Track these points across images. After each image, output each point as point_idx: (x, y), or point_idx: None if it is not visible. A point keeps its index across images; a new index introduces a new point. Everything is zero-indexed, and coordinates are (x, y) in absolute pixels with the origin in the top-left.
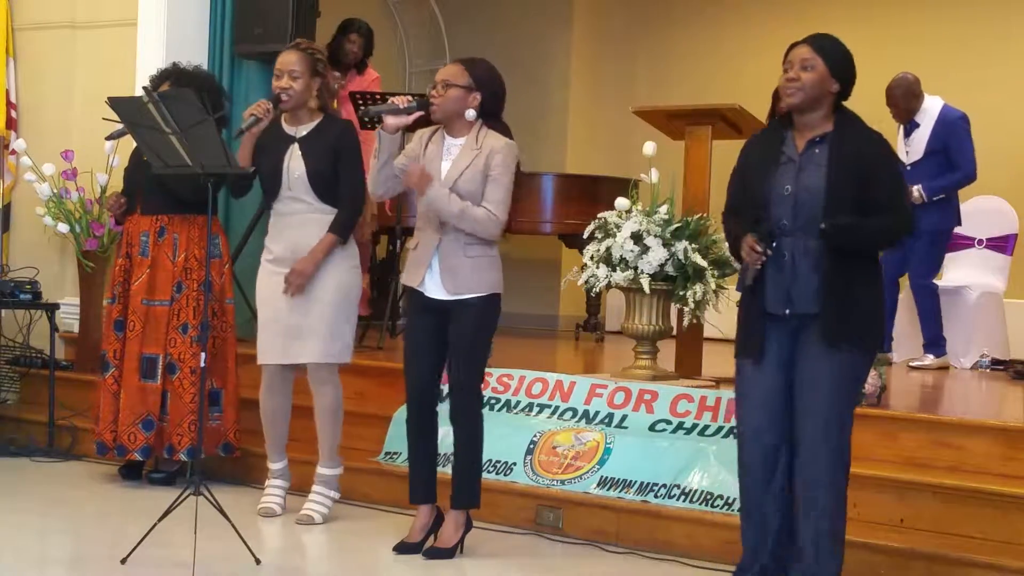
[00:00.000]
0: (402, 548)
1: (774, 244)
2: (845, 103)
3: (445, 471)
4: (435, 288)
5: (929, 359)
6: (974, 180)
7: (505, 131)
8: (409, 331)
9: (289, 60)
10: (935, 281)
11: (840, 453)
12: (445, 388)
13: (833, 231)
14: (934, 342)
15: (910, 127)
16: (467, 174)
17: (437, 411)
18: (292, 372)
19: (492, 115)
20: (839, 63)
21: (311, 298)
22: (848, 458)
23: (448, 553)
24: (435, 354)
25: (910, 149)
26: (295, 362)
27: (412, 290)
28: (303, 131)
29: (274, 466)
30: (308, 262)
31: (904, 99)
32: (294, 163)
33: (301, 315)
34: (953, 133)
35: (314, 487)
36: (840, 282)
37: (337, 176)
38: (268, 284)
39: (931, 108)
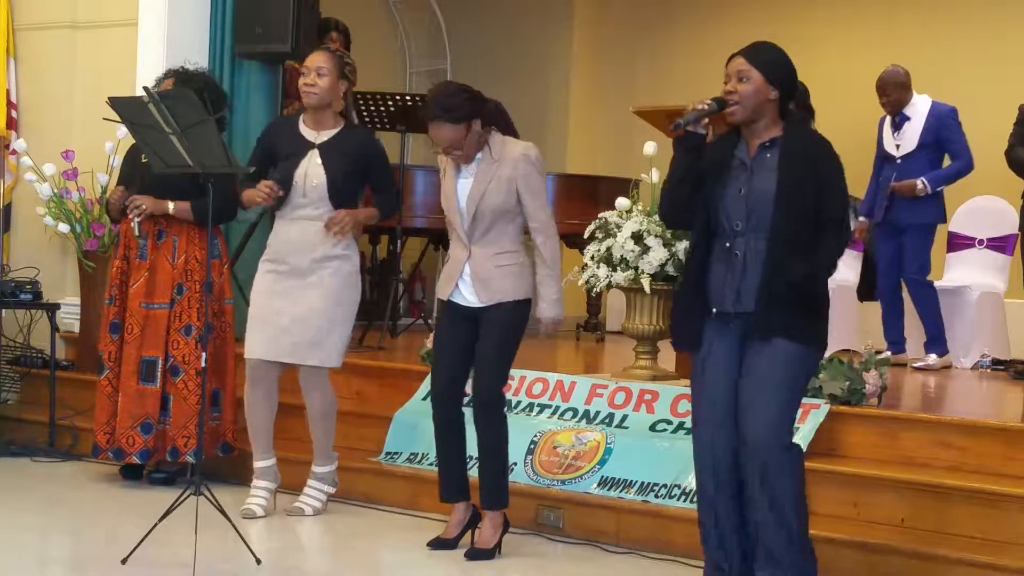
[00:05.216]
0: (437, 544)
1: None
2: (812, 106)
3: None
4: (468, 295)
5: (932, 359)
6: (972, 169)
7: (511, 130)
8: (439, 332)
9: (317, 58)
10: (929, 278)
11: (783, 446)
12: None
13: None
14: (936, 340)
15: (899, 120)
16: (492, 187)
17: (463, 411)
18: (278, 369)
19: (495, 123)
20: (774, 71)
21: (307, 300)
22: (797, 451)
23: (488, 554)
24: (465, 354)
25: (901, 142)
26: (283, 360)
27: (444, 301)
28: (324, 137)
29: (259, 464)
30: (351, 214)
31: (896, 90)
32: (313, 170)
33: (295, 316)
34: (946, 126)
35: (308, 482)
36: (780, 279)
37: (353, 187)
38: (265, 280)
39: (920, 103)
